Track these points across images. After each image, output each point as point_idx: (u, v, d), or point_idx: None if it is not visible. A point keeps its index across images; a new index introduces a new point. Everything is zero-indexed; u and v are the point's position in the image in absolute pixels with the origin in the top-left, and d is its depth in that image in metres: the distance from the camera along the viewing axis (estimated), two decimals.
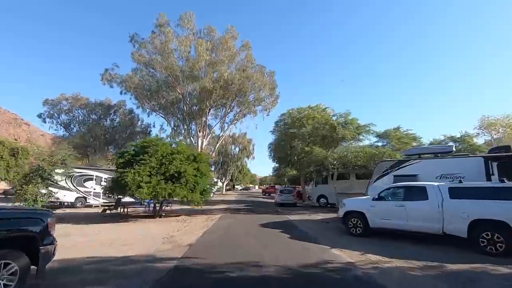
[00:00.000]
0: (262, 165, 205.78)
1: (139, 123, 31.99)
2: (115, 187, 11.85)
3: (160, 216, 13.06)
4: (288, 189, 21.50)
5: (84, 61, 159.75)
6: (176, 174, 11.92)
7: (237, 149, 55.72)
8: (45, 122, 29.49)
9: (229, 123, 30.81)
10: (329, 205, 20.06)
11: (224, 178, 56.31)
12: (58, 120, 30.20)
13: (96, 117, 29.95)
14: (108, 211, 13.63)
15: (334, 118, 16.07)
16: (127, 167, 11.80)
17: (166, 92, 25.19)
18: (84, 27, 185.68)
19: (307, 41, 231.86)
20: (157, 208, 13.59)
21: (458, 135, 24.45)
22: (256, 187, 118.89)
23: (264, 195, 45.21)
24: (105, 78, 23.18)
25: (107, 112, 29.61)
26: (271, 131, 29.33)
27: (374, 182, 11.28)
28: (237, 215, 14.51)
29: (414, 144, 21.39)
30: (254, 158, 56.13)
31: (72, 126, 30.11)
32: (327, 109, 23.29)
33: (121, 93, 23.86)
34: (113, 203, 14.23)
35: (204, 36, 25.62)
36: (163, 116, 26.58)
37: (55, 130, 29.70)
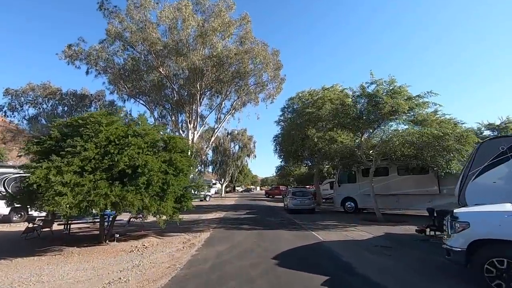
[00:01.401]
0: (263, 165, 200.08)
1: (122, 115, 27.04)
2: (20, 193, 6.95)
3: (113, 240, 8.14)
4: (304, 191, 16.63)
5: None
6: (129, 171, 7.07)
7: (236, 147, 50.82)
8: (6, 115, 24.65)
9: (226, 113, 25.94)
10: (362, 211, 15.15)
11: (223, 180, 51.37)
12: (25, 113, 25.32)
13: (67, 109, 25.08)
14: (36, 230, 8.74)
15: (371, 87, 11.18)
16: (45, 159, 6.89)
17: (146, 73, 20.36)
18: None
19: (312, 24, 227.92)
20: (108, 225, 8.70)
21: (498, 122, 19.79)
22: (258, 188, 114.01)
23: (268, 197, 40.32)
24: (67, 55, 18.37)
25: (79, 102, 24.75)
26: (276, 121, 24.55)
27: (476, 177, 6.35)
28: (236, 232, 9.61)
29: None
30: (255, 156, 51.26)
31: (40, 119, 25.21)
32: (345, 90, 18.49)
33: (87, 73, 19.01)
34: (45, 217, 9.33)
35: (193, 6, 20.78)
36: (144, 103, 21.75)
37: (18, 124, 24.86)
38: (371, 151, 12.93)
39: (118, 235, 8.24)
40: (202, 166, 48.05)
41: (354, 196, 14.95)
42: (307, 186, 29.85)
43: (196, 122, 22.73)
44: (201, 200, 31.62)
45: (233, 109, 25.96)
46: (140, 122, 8.42)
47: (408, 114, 10.11)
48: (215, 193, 51.76)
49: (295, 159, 23.40)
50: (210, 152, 47.38)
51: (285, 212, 16.36)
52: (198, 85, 21.10)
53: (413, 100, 10.23)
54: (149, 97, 21.58)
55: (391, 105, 9.78)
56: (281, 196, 38.11)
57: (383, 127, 11.29)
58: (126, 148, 7.26)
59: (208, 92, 25.51)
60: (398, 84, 10.64)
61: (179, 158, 8.17)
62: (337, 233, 9.01)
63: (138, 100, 20.95)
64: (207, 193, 32.62)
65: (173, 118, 23.51)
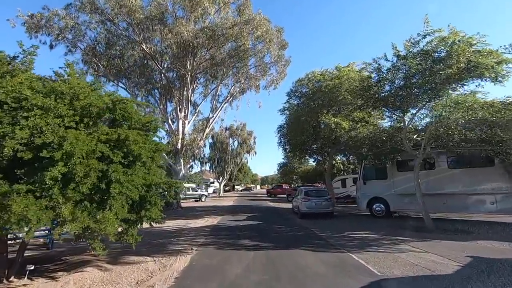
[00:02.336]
0: (263, 163, 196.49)
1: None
2: None
3: (22, 275, 4.80)
4: (320, 190, 13.33)
5: None
6: (29, 155, 3.80)
7: (235, 143, 47.50)
8: None
9: (222, 102, 22.57)
10: (394, 215, 11.88)
11: (221, 178, 48.09)
12: None
13: None
14: None
15: (421, 44, 7.83)
16: None
17: (125, 49, 16.96)
18: None
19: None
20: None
21: None
22: (258, 187, 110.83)
23: (270, 196, 37.05)
24: (28, 26, 14.92)
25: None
26: (280, 110, 21.14)
27: None
28: (231, 255, 6.30)
29: None
30: (255, 153, 47.88)
31: None
32: (363, 70, 15.20)
33: (51, 47, 15.53)
34: None
35: None
36: (124, 87, 18.34)
37: None
38: (415, 136, 9.61)
39: (32, 267, 4.88)
40: (198, 163, 44.78)
41: (385, 196, 11.65)
42: (317, 184, 26.59)
43: (187, 110, 19.38)
44: (196, 201, 28.42)
45: (230, 97, 22.60)
46: (67, 75, 5.07)
47: (491, 74, 6.74)
48: (213, 192, 48.55)
49: (302, 153, 20.11)
50: (205, 146, 44.27)
51: (296, 216, 13.08)
52: (188, 65, 17.72)
53: (495, 56, 6.86)
54: (130, 80, 18.17)
55: (466, 60, 6.44)
56: (285, 196, 34.92)
57: (441, 99, 7.93)
58: (27, 115, 3.97)
59: (202, 79, 22.20)
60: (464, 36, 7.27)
61: (134, 137, 4.82)
62: (390, 256, 5.72)
63: (117, 83, 17.61)
64: (203, 193, 29.37)
65: (162, 106, 20.15)
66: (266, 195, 39.41)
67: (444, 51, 7.17)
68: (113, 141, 4.74)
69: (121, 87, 18.14)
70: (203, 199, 28.20)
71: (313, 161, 22.34)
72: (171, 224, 11.16)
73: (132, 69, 17.66)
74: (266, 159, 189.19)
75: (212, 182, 54.14)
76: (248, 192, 66.56)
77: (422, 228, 8.69)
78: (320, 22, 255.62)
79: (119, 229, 4.91)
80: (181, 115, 19.63)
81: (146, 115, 6.49)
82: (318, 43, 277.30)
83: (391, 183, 11.54)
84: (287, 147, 21.09)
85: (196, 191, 28.66)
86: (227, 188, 65.70)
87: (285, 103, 20.52)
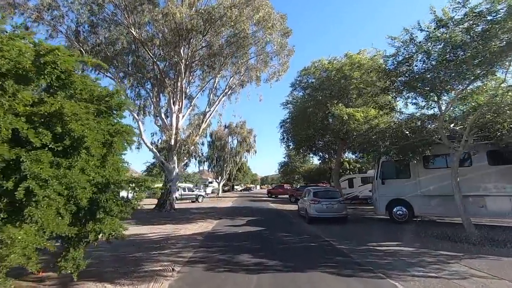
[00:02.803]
0: (263, 163, 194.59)
1: None
2: None
3: None
4: (331, 191, 11.55)
5: None
6: None
7: (235, 141, 45.82)
8: None
9: (220, 95, 20.87)
10: (416, 220, 10.23)
11: (220, 178, 46.39)
12: None
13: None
14: None
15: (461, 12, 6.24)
16: None
17: (109, 32, 15.26)
18: None
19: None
20: None
21: None
22: (258, 187, 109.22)
23: (271, 197, 35.38)
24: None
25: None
26: (283, 104, 19.59)
27: None
28: (226, 279, 4.59)
29: None
30: (255, 152, 46.16)
31: None
32: (375, 56, 13.60)
33: (27, 28, 13.90)
34: None
35: None
36: (111, 76, 16.55)
37: None
38: (451, 125, 7.94)
39: None
40: (196, 162, 43.11)
41: (408, 197, 9.97)
42: (323, 184, 24.94)
43: (181, 103, 17.69)
44: (192, 201, 26.76)
45: (229, 89, 20.92)
46: None
47: None
48: (212, 192, 46.89)
49: (307, 149, 18.47)
50: (203, 145, 42.48)
51: (303, 221, 11.40)
52: (182, 52, 16.02)
53: None
54: (118, 68, 16.43)
55: None
56: (286, 196, 33.28)
57: (493, 76, 6.26)
58: None
59: (199, 71, 20.53)
60: None
61: (73, 110, 3.12)
62: (451, 286, 4.05)
63: (102, 71, 15.89)
64: (200, 193, 27.70)
65: (154, 99, 18.45)
66: (266, 196, 37.76)
67: (504, 11, 5.50)
68: (43, 116, 3.05)
69: (108, 76, 16.43)
70: (200, 200, 26.53)
71: (318, 159, 20.64)
72: (157, 231, 9.48)
73: (120, 57, 15.93)
74: (266, 159, 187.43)
75: (211, 182, 52.53)
76: (247, 192, 64.94)
77: (464, 238, 7.02)
78: (325, 15, 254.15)
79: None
80: (175, 108, 17.94)
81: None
82: (321, 38, 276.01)
83: (415, 182, 9.86)
84: (291, 143, 19.44)
85: (193, 191, 26.98)
86: (226, 188, 64.05)
87: (288, 95, 18.97)
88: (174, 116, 17.84)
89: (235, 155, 45.25)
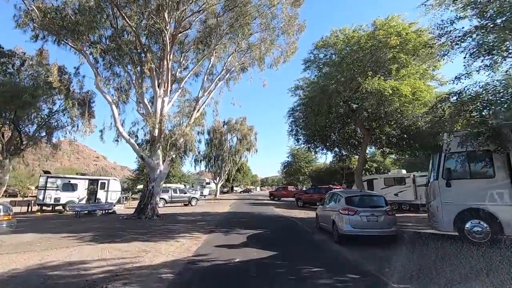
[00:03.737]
0: (263, 164, 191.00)
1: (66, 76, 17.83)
2: None
3: None
4: (372, 197, 7.96)
5: None
6: None
7: (234, 139, 42.50)
8: None
9: (216, 78, 17.54)
10: (502, 239, 6.83)
11: (218, 178, 43.02)
12: None
13: None
14: None
15: None
16: None
17: None
18: None
19: None
20: None
21: None
22: (258, 188, 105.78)
23: (273, 199, 32.01)
24: None
25: None
26: (292, 89, 16.32)
27: None
28: None
29: None
30: (256, 151, 42.85)
31: None
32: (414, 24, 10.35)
33: None
34: None
35: None
36: (74, 46, 13.00)
37: None
38: None
39: None
40: (191, 160, 39.76)
41: (492, 207, 6.60)
42: (337, 187, 21.57)
43: (167, 85, 14.33)
44: (185, 205, 23.41)
45: (226, 72, 17.60)
46: None
47: None
48: (209, 194, 43.51)
49: (321, 142, 15.14)
50: (199, 140, 38.88)
51: (327, 238, 7.99)
52: (167, 16, 12.68)
53: None
54: (82, 38, 12.94)
55: None
56: (292, 199, 29.87)
57: None
58: None
59: (191, 52, 17.21)
60: None
61: None
62: None
63: (65, 41, 12.46)
64: (194, 195, 24.32)
65: (136, 82, 15.05)
66: (268, 198, 34.42)
67: None
68: None
69: (71, 46, 13.01)
70: (193, 203, 23.16)
71: (334, 156, 17.22)
72: (109, 256, 6.11)
73: (87, 24, 12.51)
74: (266, 160, 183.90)
75: (208, 183, 49.11)
76: (247, 194, 61.55)
77: None
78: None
79: None
80: (160, 91, 14.62)
81: None
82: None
83: (504, 184, 6.50)
84: (300, 136, 16.08)
85: (185, 193, 23.58)
86: (225, 190, 60.63)
87: (298, 80, 15.58)
88: (159, 100, 14.52)
89: (234, 153, 41.92)
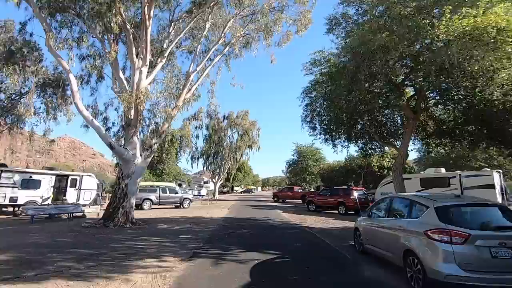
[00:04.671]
0: (264, 164, 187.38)
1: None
2: None
3: None
4: (491, 207, 4.60)
5: None
6: None
7: (235, 135, 39.14)
8: None
9: (212, 48, 14.13)
10: None
11: (217, 177, 39.65)
12: None
13: None
14: None
15: None
16: None
17: None
18: None
19: None
20: None
21: None
22: (259, 189, 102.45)
23: (277, 201, 28.66)
24: None
25: None
26: (307, 66, 12.97)
27: None
28: None
29: None
30: (259, 148, 39.46)
31: None
32: None
33: None
34: None
35: None
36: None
37: None
38: None
39: None
40: (187, 156, 36.50)
41: None
42: (359, 188, 18.20)
43: (145, 51, 10.94)
44: (176, 207, 20.07)
45: (226, 46, 14.23)
46: None
47: None
48: (206, 194, 40.15)
49: (347, 129, 11.77)
50: (196, 136, 35.40)
51: (396, 279, 4.61)
52: None
53: None
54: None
55: None
56: (296, 201, 26.55)
57: None
58: None
59: (183, 23, 13.84)
60: None
61: None
62: None
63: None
64: (186, 196, 20.97)
65: (110, 50, 11.64)
66: (271, 200, 31.06)
67: None
68: None
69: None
70: (186, 205, 19.80)
71: (359, 149, 13.78)
72: None
73: None
74: (267, 159, 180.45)
75: (206, 182, 45.78)
76: (248, 194, 58.22)
77: None
78: None
79: None
80: (138, 62, 11.27)
81: None
82: None
83: None
84: (318, 123, 12.71)
85: (176, 192, 20.21)
86: (225, 190, 57.29)
87: (315, 54, 12.24)
88: (137, 73, 11.17)
89: (235, 150, 38.52)
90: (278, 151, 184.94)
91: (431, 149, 11.46)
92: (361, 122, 11.81)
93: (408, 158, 23.36)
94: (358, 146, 13.66)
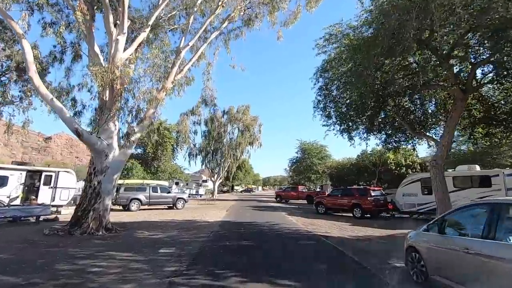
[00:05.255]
0: (264, 163, 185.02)
1: None
2: None
3: None
4: None
5: None
6: None
7: (235, 131, 37.08)
8: None
9: (206, 23, 12.01)
10: None
11: (216, 176, 37.58)
12: None
13: None
14: None
15: None
16: None
17: None
18: None
19: None
20: None
21: None
22: (260, 188, 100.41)
23: (280, 201, 26.60)
24: None
25: None
26: (320, 42, 10.86)
27: None
28: None
29: None
30: (261, 145, 37.39)
31: None
32: None
33: None
34: None
35: None
36: None
37: None
38: None
39: None
40: (184, 153, 34.42)
41: None
42: (377, 188, 16.17)
43: (122, 16, 8.83)
44: (169, 207, 18.02)
45: (224, 20, 12.11)
46: None
47: None
48: (205, 193, 38.10)
49: (370, 117, 9.67)
50: (194, 131, 32.90)
51: None
52: None
53: None
54: None
55: None
56: (304, 201, 24.46)
57: None
58: None
59: None
60: None
61: None
62: None
63: None
64: (180, 196, 18.90)
65: (79, 8, 9.43)
66: (273, 200, 28.97)
67: None
68: None
69: None
70: (179, 205, 17.73)
71: (382, 142, 11.66)
72: None
73: None
74: (268, 158, 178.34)
75: (205, 181, 43.70)
76: (249, 193, 56.26)
77: None
78: None
79: None
80: (115, 32, 9.18)
81: None
82: None
83: None
84: (333, 111, 10.64)
85: (169, 192, 18.11)
86: (225, 189, 55.25)
87: (329, 28, 10.19)
88: (113, 45, 9.07)
89: (235, 147, 36.44)
90: (279, 149, 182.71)
91: (474, 140, 9.36)
92: (388, 106, 9.68)
93: (424, 154, 21.20)
94: (380, 139, 11.54)
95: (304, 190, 26.39)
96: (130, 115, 9.57)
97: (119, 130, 9.58)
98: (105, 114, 8.80)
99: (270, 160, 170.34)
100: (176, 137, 33.42)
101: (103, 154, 8.80)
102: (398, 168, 18.19)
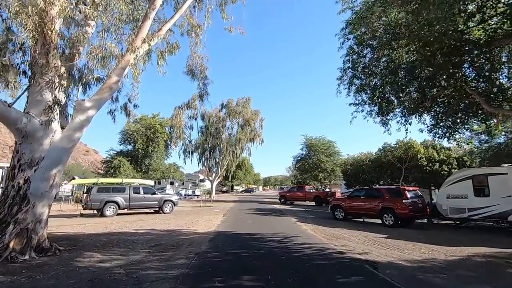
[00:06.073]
0: (264, 162, 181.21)
1: None
2: None
3: None
4: None
5: None
6: None
7: (235, 126, 34.14)
8: None
9: None
10: None
11: (214, 175, 34.66)
12: None
13: None
14: None
15: None
16: None
17: None
18: None
19: None
20: None
21: None
22: (260, 188, 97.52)
23: (284, 203, 23.69)
24: None
25: None
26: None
27: None
28: None
29: None
30: (262, 141, 34.45)
31: None
32: None
33: None
34: None
35: None
36: None
37: None
38: None
39: None
40: (181, 152, 31.50)
41: None
42: (410, 188, 13.24)
43: None
44: (156, 211, 15.12)
45: None
46: None
47: None
48: (202, 193, 35.18)
49: (421, 88, 6.72)
50: (192, 129, 29.56)
51: None
52: None
53: None
54: None
55: None
56: (312, 203, 21.54)
57: None
58: None
59: None
60: None
61: None
62: None
63: None
64: (169, 197, 15.94)
65: None
66: (276, 201, 26.02)
67: None
68: None
69: None
70: (167, 209, 14.80)
71: (430, 131, 8.70)
72: None
73: None
74: (268, 157, 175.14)
75: (202, 180, 40.78)
76: (249, 194, 53.35)
77: None
78: None
79: None
80: None
81: None
82: None
83: None
84: (368, 83, 7.67)
85: (154, 193, 15.14)
86: (224, 189, 52.30)
87: None
88: None
89: (234, 144, 33.50)
90: (279, 148, 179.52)
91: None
92: (456, 69, 6.72)
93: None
94: (424, 123, 8.59)
95: (311, 190, 23.48)
96: (80, 82, 6.61)
97: (64, 105, 6.65)
98: (37, 77, 5.85)
99: (270, 160, 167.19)
100: (170, 132, 30.46)
101: (35, 138, 5.86)
102: (430, 164, 15.26)
